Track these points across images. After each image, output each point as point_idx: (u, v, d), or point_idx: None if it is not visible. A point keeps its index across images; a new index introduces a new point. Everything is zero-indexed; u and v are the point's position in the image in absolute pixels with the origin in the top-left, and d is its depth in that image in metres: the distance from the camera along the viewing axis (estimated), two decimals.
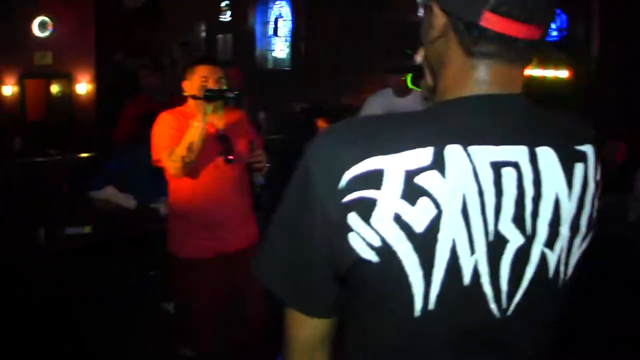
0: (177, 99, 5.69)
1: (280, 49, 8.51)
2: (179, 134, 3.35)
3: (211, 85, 3.44)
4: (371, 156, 1.03)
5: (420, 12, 1.32)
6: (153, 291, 5.34)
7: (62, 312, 4.75)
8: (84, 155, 6.62)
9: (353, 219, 1.04)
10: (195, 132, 3.27)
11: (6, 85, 12.84)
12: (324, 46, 7.46)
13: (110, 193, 5.13)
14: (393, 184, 1.02)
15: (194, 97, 3.46)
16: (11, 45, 12.64)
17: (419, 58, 1.21)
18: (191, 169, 3.35)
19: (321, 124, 5.82)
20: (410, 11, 6.86)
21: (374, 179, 1.03)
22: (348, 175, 1.03)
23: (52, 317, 4.68)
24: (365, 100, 5.60)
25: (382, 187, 1.02)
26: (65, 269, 4.83)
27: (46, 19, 12.65)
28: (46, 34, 12.71)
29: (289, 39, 8.28)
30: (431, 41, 1.14)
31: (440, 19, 1.10)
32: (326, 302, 1.18)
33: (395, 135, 1.06)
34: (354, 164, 1.03)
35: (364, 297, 1.12)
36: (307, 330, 1.22)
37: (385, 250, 1.04)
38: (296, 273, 1.17)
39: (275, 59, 8.52)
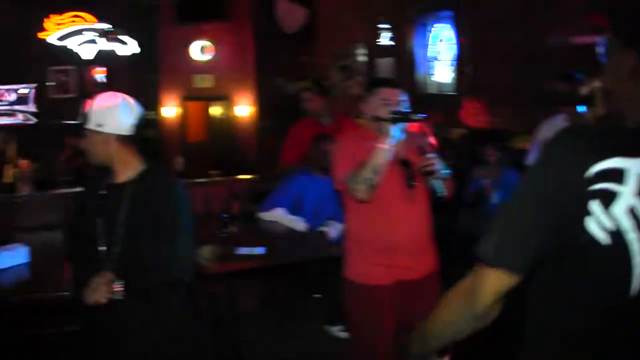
0: (341, 121, 5.69)
1: (442, 73, 8.35)
2: (360, 157, 3.28)
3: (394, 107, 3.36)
4: (616, 157, 1.28)
5: (600, 47, 1.45)
6: (317, 314, 5.33)
7: (230, 329, 4.81)
8: (245, 177, 6.70)
9: (595, 205, 1.28)
10: (380, 154, 3.19)
11: (168, 107, 13.33)
12: (488, 70, 7.25)
13: (279, 215, 5.13)
14: (632, 182, 1.27)
15: (377, 119, 3.37)
16: (173, 68, 13.14)
17: (588, 88, 1.48)
18: (375, 192, 3.27)
19: (489, 150, 5.61)
20: (581, 33, 6.54)
21: (617, 176, 1.27)
22: (596, 168, 1.28)
23: (220, 334, 4.75)
24: (540, 126, 5.36)
25: (624, 183, 1.27)
26: (234, 288, 4.88)
27: (207, 43, 13.06)
28: (206, 57, 13.12)
29: (451, 62, 8.11)
30: (619, 79, 1.37)
31: (633, 61, 1.33)
32: (528, 265, 1.39)
33: (633, 142, 1.32)
34: (602, 160, 1.28)
35: (583, 274, 1.36)
36: (501, 284, 1.42)
37: (617, 236, 1.28)
38: (517, 236, 1.39)
39: (437, 83, 8.35)
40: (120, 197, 2.93)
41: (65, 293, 3.28)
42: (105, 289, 2.83)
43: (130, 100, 2.95)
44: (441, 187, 3.35)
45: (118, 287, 2.82)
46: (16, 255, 4.43)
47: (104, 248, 2.94)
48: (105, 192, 2.99)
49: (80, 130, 2.94)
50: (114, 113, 2.87)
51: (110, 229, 2.93)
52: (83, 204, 3.11)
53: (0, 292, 4.04)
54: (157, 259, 2.85)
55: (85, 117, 2.90)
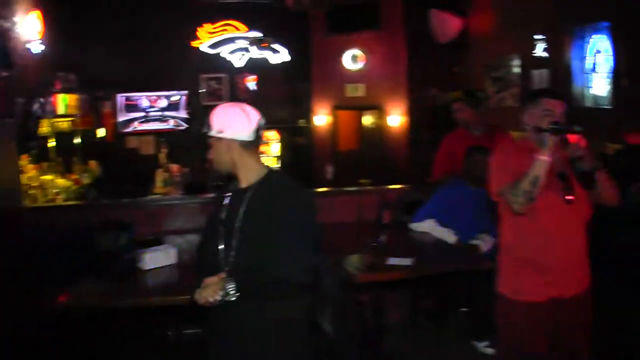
0: (494, 133, 5.60)
1: (599, 85, 8.03)
2: (518, 168, 3.24)
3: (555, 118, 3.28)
4: None
5: None
6: (464, 329, 5.27)
7: (375, 340, 4.83)
8: (395, 186, 6.70)
9: None
10: (540, 165, 3.14)
11: (319, 115, 13.52)
12: None
13: (430, 226, 5.12)
14: None
15: (537, 130, 3.31)
16: (324, 77, 13.32)
17: None
18: (531, 206, 3.20)
19: None
20: None
21: None
22: None
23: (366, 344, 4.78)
24: None
25: None
26: (382, 298, 4.90)
27: (358, 52, 13.15)
28: (358, 66, 13.21)
29: (607, 75, 7.79)
30: None
31: None
32: None
33: None
34: None
35: None
36: None
37: None
38: None
39: (594, 97, 8.04)
40: (240, 201, 3.01)
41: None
42: (215, 289, 2.90)
43: (248, 108, 3.02)
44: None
45: (231, 288, 2.88)
46: (165, 257, 4.63)
47: (222, 250, 3.04)
48: (229, 197, 3.10)
49: (206, 139, 3.05)
50: (232, 120, 2.96)
51: (229, 232, 3.02)
52: (212, 210, 3.22)
53: (144, 293, 4.22)
54: (270, 262, 2.87)
55: (207, 126, 3.01)
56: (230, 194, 3.10)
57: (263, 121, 3.03)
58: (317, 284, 3.54)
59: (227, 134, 2.95)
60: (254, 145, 3.00)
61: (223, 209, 3.10)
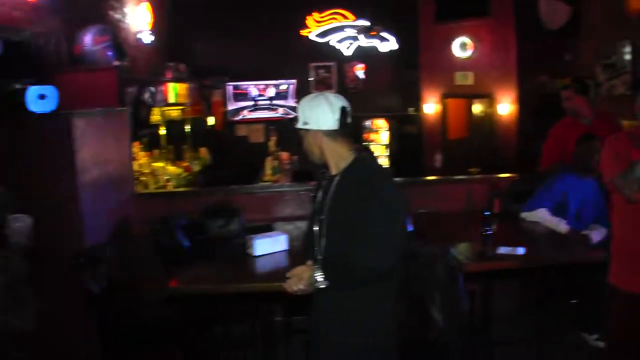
0: (604, 121, 5.50)
1: None
2: (631, 156, 3.20)
3: None
4: None
5: None
6: (571, 320, 5.22)
7: (481, 329, 4.85)
8: (504, 175, 6.65)
9: None
10: None
11: (429, 104, 13.48)
12: None
13: (541, 216, 5.07)
14: None
15: None
16: (433, 65, 13.26)
17: None
18: None
19: None
20: None
21: None
22: None
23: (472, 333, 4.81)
24: None
25: None
26: (491, 287, 4.90)
27: (467, 39, 13.03)
28: (467, 54, 13.10)
29: None
30: None
31: None
32: None
33: None
34: None
35: None
36: None
37: None
38: None
39: None
40: (329, 188, 3.08)
41: None
42: (300, 278, 3.00)
43: (332, 96, 3.06)
44: None
45: (319, 276, 2.96)
46: (275, 243, 4.72)
47: (316, 238, 3.12)
48: (324, 185, 3.17)
49: (297, 131, 3.13)
50: (315, 111, 3.01)
51: (320, 220, 3.09)
52: (312, 198, 3.31)
53: (253, 279, 4.32)
54: (355, 249, 2.89)
55: (295, 118, 3.11)
56: (325, 181, 3.17)
57: (349, 107, 3.06)
58: (417, 271, 3.61)
59: (311, 125, 3.02)
60: (340, 132, 3.03)
61: (319, 196, 3.18)
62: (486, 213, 4.44)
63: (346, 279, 2.97)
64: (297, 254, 3.99)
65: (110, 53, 6.56)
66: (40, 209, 3.99)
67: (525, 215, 5.21)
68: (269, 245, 4.69)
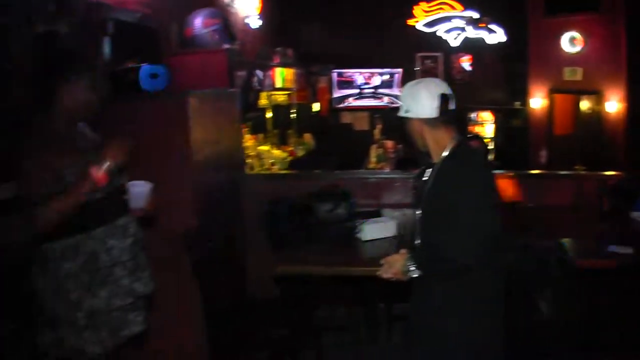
0: None
1: None
2: None
3: None
4: None
5: None
6: None
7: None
8: (611, 173, 6.52)
9: None
10: None
11: (536, 98, 13.28)
12: None
13: None
14: None
15: None
16: (541, 59, 13.04)
17: None
18: None
19: None
20: None
21: None
22: None
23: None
24: None
25: None
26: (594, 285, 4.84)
27: (576, 34, 12.77)
28: (576, 49, 12.85)
29: None
30: None
31: None
32: None
33: None
34: None
35: None
36: None
37: None
38: None
39: None
40: (429, 177, 3.11)
41: None
42: (391, 266, 3.07)
43: (432, 84, 3.08)
44: None
45: (410, 264, 3.00)
46: (384, 229, 4.78)
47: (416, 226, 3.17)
48: (424, 173, 3.21)
49: (401, 120, 3.17)
50: (414, 99, 3.04)
51: (417, 209, 3.14)
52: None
53: (360, 263, 4.34)
54: (441, 240, 2.91)
55: (399, 107, 3.15)
56: (427, 169, 3.20)
57: (450, 93, 3.06)
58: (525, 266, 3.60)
59: (412, 114, 3.07)
60: (440, 120, 3.04)
61: (420, 184, 3.21)
62: (597, 211, 4.38)
63: (434, 269, 3.01)
64: (406, 241, 3.98)
65: (219, 36, 6.66)
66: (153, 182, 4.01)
67: (636, 215, 5.12)
68: (379, 231, 4.74)
